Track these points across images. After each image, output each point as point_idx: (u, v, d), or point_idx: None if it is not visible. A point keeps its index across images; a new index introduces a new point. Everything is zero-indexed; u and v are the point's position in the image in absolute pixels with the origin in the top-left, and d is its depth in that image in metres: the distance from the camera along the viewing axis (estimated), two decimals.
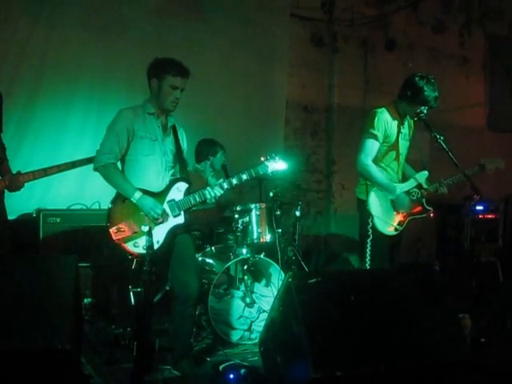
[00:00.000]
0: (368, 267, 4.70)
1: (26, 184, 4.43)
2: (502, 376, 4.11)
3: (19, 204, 5.61)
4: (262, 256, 5.34)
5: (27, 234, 5.46)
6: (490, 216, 7.13)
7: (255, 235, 5.40)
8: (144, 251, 3.92)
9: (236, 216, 5.39)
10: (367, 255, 4.72)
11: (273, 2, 7.44)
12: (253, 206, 5.45)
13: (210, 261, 5.48)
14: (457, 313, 4.19)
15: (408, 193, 4.77)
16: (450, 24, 8.79)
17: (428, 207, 4.81)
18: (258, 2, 7.28)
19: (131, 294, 4.71)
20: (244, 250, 5.34)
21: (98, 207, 5.94)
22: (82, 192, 6.13)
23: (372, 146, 4.70)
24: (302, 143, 7.95)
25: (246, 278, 5.53)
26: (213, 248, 5.58)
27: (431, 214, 4.85)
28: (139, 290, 4.01)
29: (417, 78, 4.62)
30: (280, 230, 5.50)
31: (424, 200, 4.79)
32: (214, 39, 6.81)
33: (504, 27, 9.07)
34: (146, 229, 3.83)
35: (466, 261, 6.55)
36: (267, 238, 5.43)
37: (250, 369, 4.09)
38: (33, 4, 6.06)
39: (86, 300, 5.40)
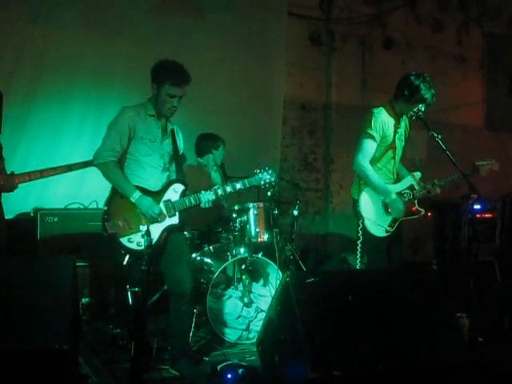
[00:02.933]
0: (359, 268, 4.69)
1: (23, 183, 4.43)
2: (500, 376, 4.11)
3: (16, 203, 5.60)
4: (259, 255, 5.34)
5: (25, 233, 5.45)
6: (487, 215, 7.10)
7: (253, 234, 5.38)
8: (137, 247, 4.05)
9: (234, 215, 5.40)
10: (358, 256, 4.71)
11: (270, 0, 7.43)
12: (251, 205, 5.43)
13: (208, 260, 5.47)
14: (454, 312, 4.20)
15: (400, 194, 4.75)
16: (447, 23, 8.77)
17: (419, 209, 4.79)
18: (256, 0, 7.28)
19: (129, 293, 4.71)
20: (242, 250, 5.33)
21: (95, 206, 5.92)
22: (80, 191, 6.13)
23: (369, 147, 4.68)
24: (299, 142, 7.95)
25: (243, 277, 5.52)
26: (211, 247, 5.55)
27: (429, 214, 4.84)
28: (137, 289, 4.02)
29: (412, 77, 4.61)
30: (278, 230, 5.49)
31: (416, 202, 4.77)
32: (211, 38, 6.81)
33: (502, 26, 9.06)
34: (144, 228, 3.86)
35: (464, 260, 6.52)
36: (265, 237, 5.40)
37: (248, 368, 4.09)
38: (31, 2, 6.04)
39: (83, 300, 5.41)
